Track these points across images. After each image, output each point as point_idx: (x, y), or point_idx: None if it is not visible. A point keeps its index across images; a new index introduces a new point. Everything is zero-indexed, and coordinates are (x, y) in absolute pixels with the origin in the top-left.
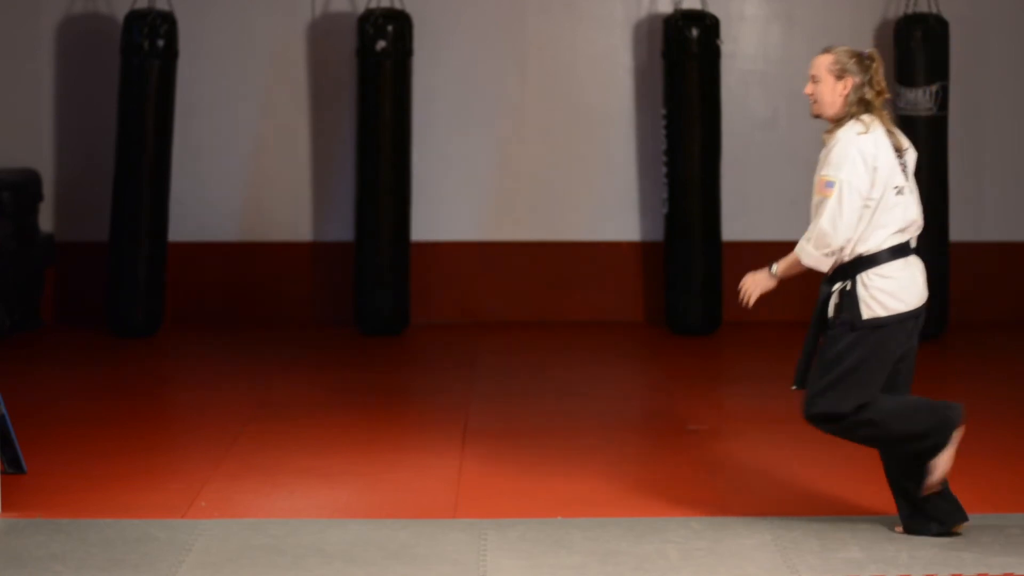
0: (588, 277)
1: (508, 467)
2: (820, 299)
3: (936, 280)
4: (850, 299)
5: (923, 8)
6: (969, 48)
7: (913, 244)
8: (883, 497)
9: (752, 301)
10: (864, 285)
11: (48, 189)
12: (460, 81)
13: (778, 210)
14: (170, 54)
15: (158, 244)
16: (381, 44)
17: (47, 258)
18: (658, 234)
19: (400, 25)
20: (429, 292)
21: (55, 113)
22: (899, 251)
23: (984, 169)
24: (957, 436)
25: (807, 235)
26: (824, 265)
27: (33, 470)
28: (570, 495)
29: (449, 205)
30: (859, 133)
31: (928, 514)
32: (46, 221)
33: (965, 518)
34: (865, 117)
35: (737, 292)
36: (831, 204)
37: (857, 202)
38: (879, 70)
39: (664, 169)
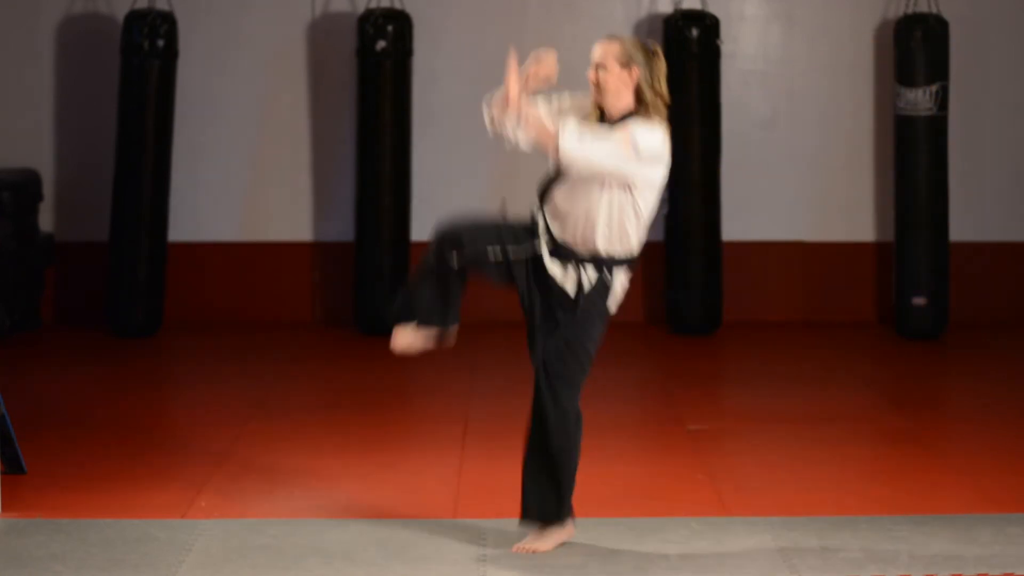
0: None
1: (508, 467)
2: (556, 276)
3: (936, 280)
4: (603, 288)
5: (923, 8)
6: (969, 48)
7: None
8: (883, 497)
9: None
10: (616, 279)
11: (48, 189)
12: (460, 81)
13: (778, 210)
14: (170, 54)
15: (158, 244)
16: (381, 44)
17: (47, 258)
18: (658, 234)
19: (400, 25)
20: None
21: (55, 113)
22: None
23: (984, 169)
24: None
25: (585, 138)
26: (569, 156)
27: (33, 470)
28: None
29: (449, 205)
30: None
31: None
32: (46, 221)
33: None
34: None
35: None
36: (611, 147)
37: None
38: (662, 69)
39: None
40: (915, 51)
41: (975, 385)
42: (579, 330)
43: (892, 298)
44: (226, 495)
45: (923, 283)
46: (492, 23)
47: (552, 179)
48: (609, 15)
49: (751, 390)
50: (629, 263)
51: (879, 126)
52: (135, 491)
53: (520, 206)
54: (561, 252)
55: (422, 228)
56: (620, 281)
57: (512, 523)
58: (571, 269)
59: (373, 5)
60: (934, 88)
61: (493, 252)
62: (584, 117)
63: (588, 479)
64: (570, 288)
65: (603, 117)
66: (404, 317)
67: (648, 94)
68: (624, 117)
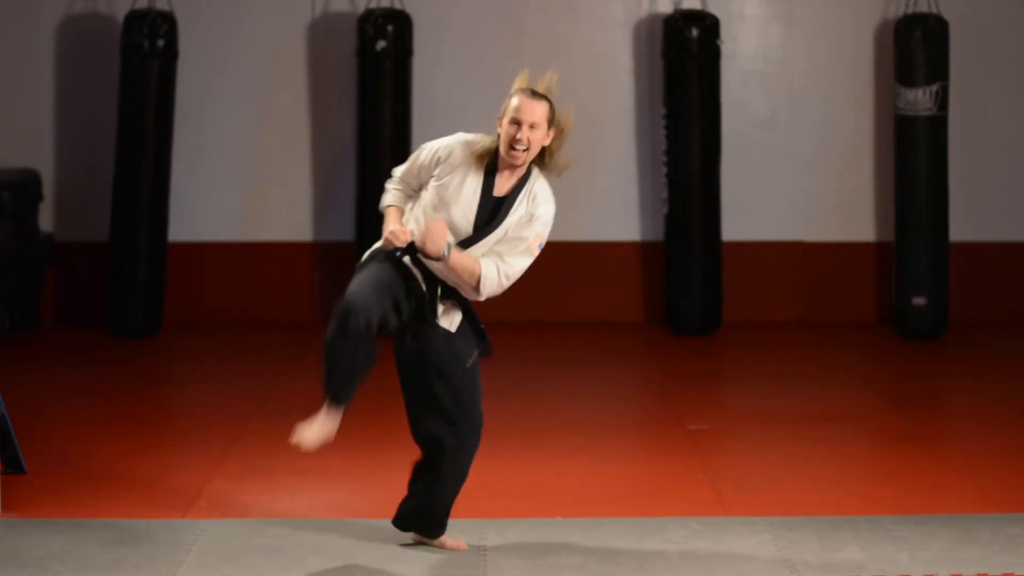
0: (588, 277)
1: (508, 467)
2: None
3: (936, 280)
4: (468, 321)
5: (923, 8)
6: (969, 48)
7: None
8: (883, 497)
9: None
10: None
11: (48, 189)
12: (460, 81)
13: (778, 210)
14: (170, 54)
15: (158, 244)
16: (381, 44)
17: (47, 258)
18: (658, 234)
19: (400, 25)
20: None
21: (55, 113)
22: None
23: (984, 169)
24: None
25: (502, 271)
26: (483, 297)
27: (33, 470)
28: (570, 495)
29: None
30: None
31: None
32: (46, 221)
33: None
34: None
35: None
36: (526, 262)
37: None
38: (564, 138)
39: (664, 169)
40: (915, 51)
41: (975, 385)
42: (466, 364)
43: (892, 298)
44: (226, 495)
45: (923, 283)
46: (492, 23)
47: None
48: (609, 15)
49: (751, 390)
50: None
51: (879, 126)
52: (135, 491)
53: None
54: (447, 295)
55: None
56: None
57: (512, 523)
58: (452, 309)
59: (373, 5)
60: (934, 88)
61: (393, 315)
62: (467, 163)
63: (588, 479)
64: (450, 325)
65: (493, 161)
66: (339, 396)
67: (555, 156)
68: (521, 181)
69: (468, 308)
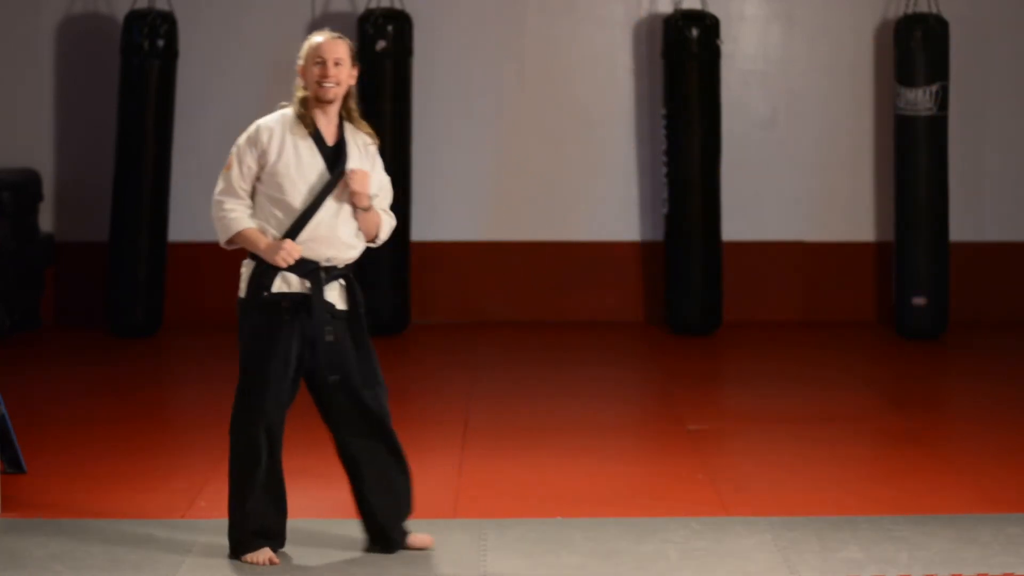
0: (588, 277)
1: (508, 467)
2: (316, 288)
3: (936, 280)
4: (356, 290)
5: (923, 8)
6: (969, 48)
7: None
8: (883, 497)
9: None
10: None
11: (48, 189)
12: (460, 81)
13: (778, 210)
14: (170, 54)
15: (158, 244)
16: (381, 44)
17: (47, 258)
18: (658, 234)
19: (400, 25)
20: (429, 292)
21: (55, 113)
22: None
23: (984, 169)
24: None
25: (390, 219)
26: (379, 244)
27: (33, 470)
28: (570, 495)
29: (449, 205)
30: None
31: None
32: (46, 221)
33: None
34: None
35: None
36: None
37: None
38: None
39: (664, 169)
40: (915, 51)
41: (975, 385)
42: (365, 343)
43: (892, 298)
44: (226, 495)
45: (923, 283)
46: (492, 23)
47: (306, 213)
48: (609, 15)
49: (751, 390)
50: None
51: (879, 126)
52: (135, 491)
53: (520, 206)
54: (332, 274)
55: (422, 228)
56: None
57: (512, 523)
58: (338, 287)
59: (373, 5)
60: (934, 88)
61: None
62: (284, 135)
63: (588, 479)
64: (343, 303)
65: (309, 117)
66: (247, 545)
67: (355, 96)
68: (340, 129)
69: (350, 279)
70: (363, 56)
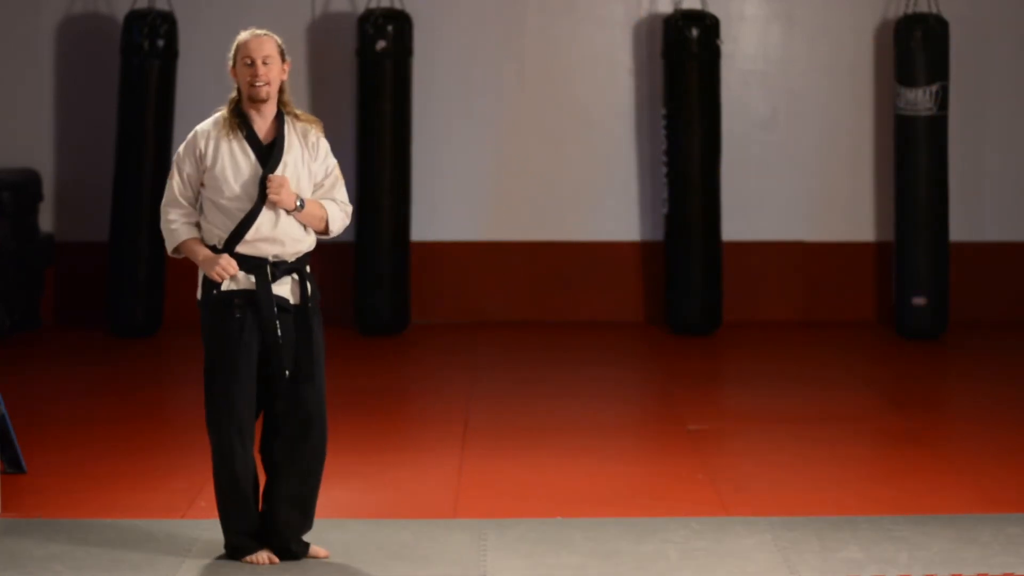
0: (588, 277)
1: (508, 467)
2: (262, 284)
3: (936, 280)
4: (310, 284)
5: (923, 8)
6: (969, 48)
7: None
8: (883, 497)
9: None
10: (309, 272)
11: (48, 189)
12: (460, 81)
13: (778, 210)
14: (170, 54)
15: (158, 244)
16: (381, 44)
17: (47, 258)
18: (658, 234)
19: (400, 25)
20: (429, 292)
21: (55, 113)
22: None
23: (984, 169)
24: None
25: (342, 207)
26: (333, 235)
27: (33, 470)
28: (570, 495)
29: (449, 205)
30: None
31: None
32: (46, 221)
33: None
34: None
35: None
36: (343, 187)
37: None
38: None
39: (664, 169)
40: (915, 51)
41: (975, 385)
42: (310, 340)
43: (892, 298)
44: None
45: (923, 283)
46: (492, 23)
47: (247, 217)
48: (609, 15)
49: (751, 390)
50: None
51: (879, 126)
52: (135, 491)
53: (520, 206)
54: (281, 269)
55: (422, 228)
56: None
57: (512, 523)
58: (290, 281)
59: (373, 5)
60: (934, 88)
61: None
62: (219, 139)
63: (588, 479)
64: (295, 298)
65: (242, 118)
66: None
67: (288, 91)
68: (278, 125)
69: (303, 272)
70: (363, 56)
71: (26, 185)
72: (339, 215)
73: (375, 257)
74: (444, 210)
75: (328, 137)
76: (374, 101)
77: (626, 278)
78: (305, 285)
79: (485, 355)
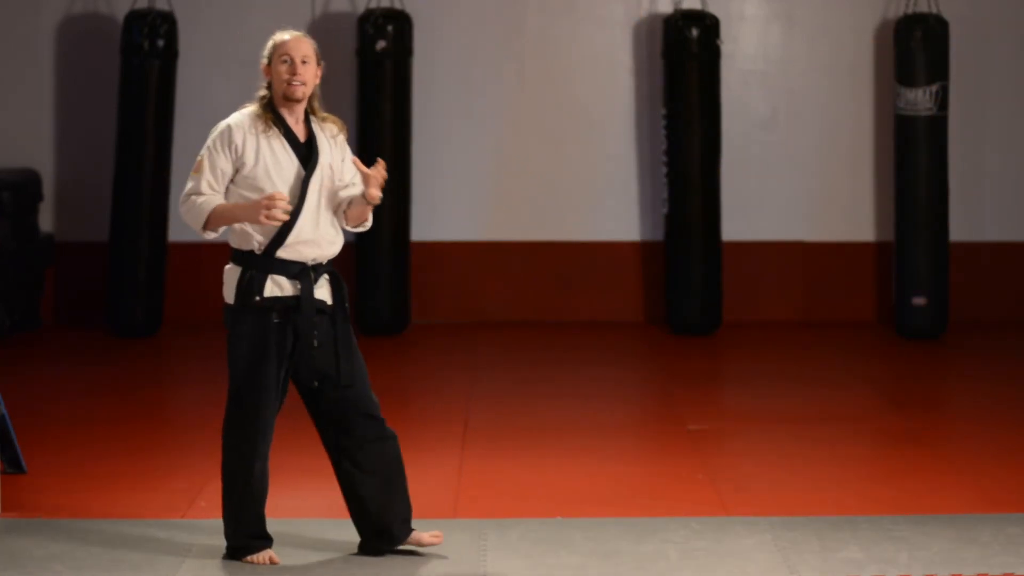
0: (588, 277)
1: (508, 467)
2: (306, 287)
3: (936, 280)
4: (341, 285)
5: (923, 8)
6: (969, 48)
7: None
8: (883, 497)
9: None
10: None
11: (48, 189)
12: (460, 81)
13: (778, 210)
14: (170, 54)
15: (158, 244)
16: (381, 44)
17: (47, 258)
18: (658, 234)
19: (400, 25)
20: (429, 292)
21: (55, 113)
22: None
23: (984, 169)
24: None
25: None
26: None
27: (33, 470)
28: (570, 495)
29: (449, 205)
30: None
31: None
32: (46, 221)
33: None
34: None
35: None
36: None
37: None
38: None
39: (664, 169)
40: (915, 51)
41: (975, 385)
42: (349, 340)
43: (892, 298)
44: None
45: (923, 283)
46: (492, 23)
47: (291, 222)
48: (609, 15)
49: (751, 390)
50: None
51: (879, 126)
52: (135, 491)
53: (520, 206)
54: (319, 272)
55: (422, 228)
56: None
57: (512, 523)
58: (326, 283)
59: (373, 5)
60: (934, 88)
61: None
62: (256, 134)
63: (588, 479)
64: (330, 299)
65: (276, 115)
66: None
67: (318, 95)
68: (307, 125)
69: (335, 274)
70: (363, 56)
71: (26, 185)
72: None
73: (375, 257)
74: (444, 210)
75: None
76: (374, 101)
77: (626, 278)
78: (340, 286)
79: (485, 355)
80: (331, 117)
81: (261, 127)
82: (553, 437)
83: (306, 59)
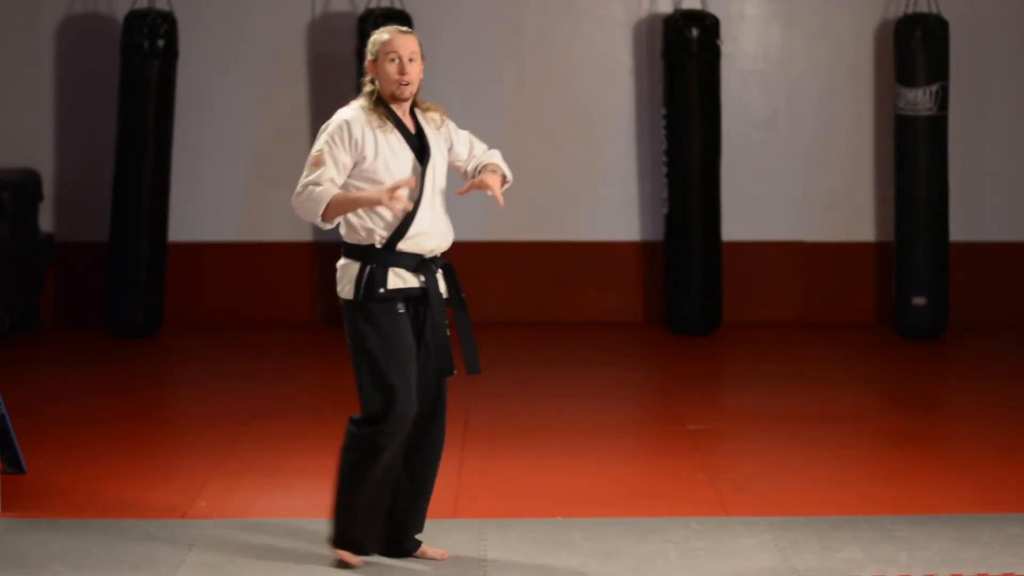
0: (588, 277)
1: (508, 467)
2: (431, 279)
3: (936, 280)
4: (455, 275)
5: (923, 8)
6: (969, 48)
7: None
8: (883, 497)
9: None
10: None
11: (48, 189)
12: (460, 81)
13: (778, 210)
14: (170, 54)
15: (158, 244)
16: None
17: (47, 258)
18: (658, 234)
19: (400, 25)
20: None
21: (55, 113)
22: None
23: (984, 169)
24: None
25: (497, 154)
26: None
27: (33, 470)
28: (570, 495)
29: (449, 205)
30: None
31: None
32: (46, 221)
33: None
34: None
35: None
36: None
37: None
38: None
39: (664, 169)
40: (915, 51)
41: (975, 385)
42: (471, 331)
43: (892, 298)
44: (226, 495)
45: (923, 283)
46: (492, 23)
47: (411, 214)
48: (609, 15)
49: (751, 390)
50: None
51: (879, 126)
52: (135, 491)
53: (520, 205)
54: (436, 262)
55: None
56: None
57: (512, 523)
58: (441, 276)
59: (373, 5)
60: (934, 88)
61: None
62: (372, 129)
63: (588, 479)
64: (446, 292)
65: (387, 110)
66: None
67: (420, 92)
68: (407, 108)
69: (449, 265)
70: (363, 56)
71: (26, 185)
72: (500, 159)
73: None
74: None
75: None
76: None
77: (626, 278)
78: (455, 277)
79: (485, 355)
80: (432, 105)
81: (376, 122)
82: (553, 437)
83: (413, 57)
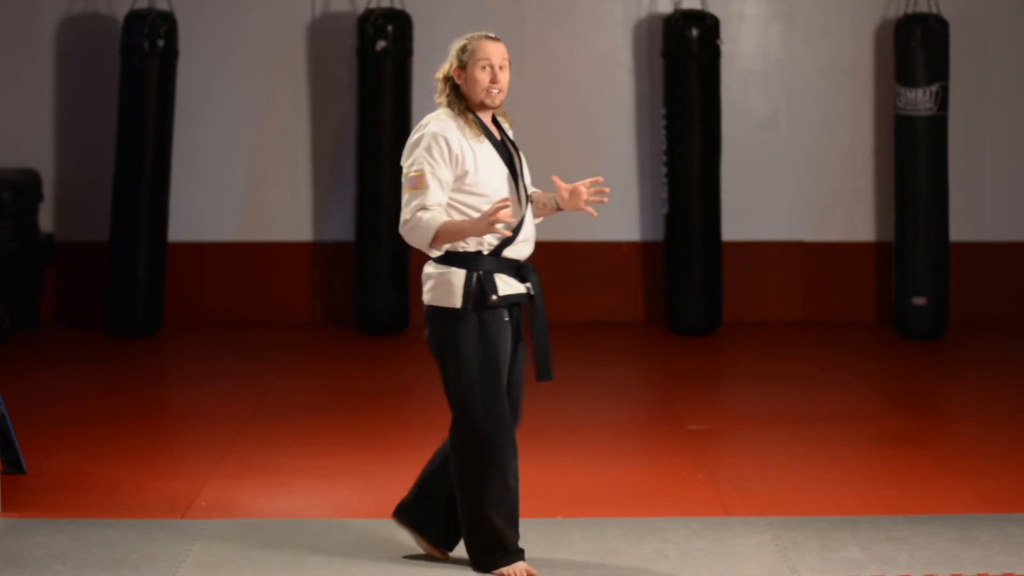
0: (588, 277)
1: None
2: (535, 282)
3: (936, 280)
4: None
5: (923, 8)
6: (969, 48)
7: None
8: (883, 497)
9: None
10: None
11: (48, 189)
12: None
13: (778, 210)
14: (170, 54)
15: (158, 244)
16: (381, 44)
17: (47, 258)
18: (658, 234)
19: (400, 25)
20: None
21: (55, 113)
22: None
23: (984, 169)
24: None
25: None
26: None
27: (33, 470)
28: (570, 495)
29: None
30: None
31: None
32: (46, 221)
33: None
34: None
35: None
36: None
37: None
38: None
39: (664, 169)
40: (915, 51)
41: (975, 385)
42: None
43: (892, 298)
44: (226, 495)
45: (923, 283)
46: (492, 23)
47: (522, 219)
48: (609, 15)
49: (751, 390)
50: None
51: (879, 126)
52: (135, 491)
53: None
54: (528, 266)
55: None
56: None
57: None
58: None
59: (373, 5)
60: (934, 88)
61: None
62: (466, 139)
63: (588, 479)
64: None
65: (475, 118)
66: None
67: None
68: (495, 122)
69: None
70: (363, 56)
71: (26, 185)
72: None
73: (375, 257)
74: None
75: (328, 137)
76: (374, 101)
77: (626, 278)
78: (539, 282)
79: None
80: (503, 111)
81: (470, 132)
82: (553, 437)
83: (503, 64)
